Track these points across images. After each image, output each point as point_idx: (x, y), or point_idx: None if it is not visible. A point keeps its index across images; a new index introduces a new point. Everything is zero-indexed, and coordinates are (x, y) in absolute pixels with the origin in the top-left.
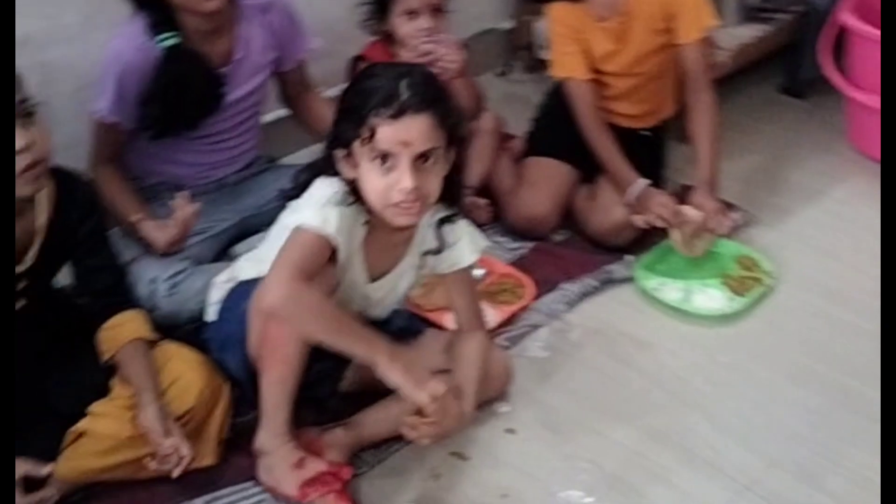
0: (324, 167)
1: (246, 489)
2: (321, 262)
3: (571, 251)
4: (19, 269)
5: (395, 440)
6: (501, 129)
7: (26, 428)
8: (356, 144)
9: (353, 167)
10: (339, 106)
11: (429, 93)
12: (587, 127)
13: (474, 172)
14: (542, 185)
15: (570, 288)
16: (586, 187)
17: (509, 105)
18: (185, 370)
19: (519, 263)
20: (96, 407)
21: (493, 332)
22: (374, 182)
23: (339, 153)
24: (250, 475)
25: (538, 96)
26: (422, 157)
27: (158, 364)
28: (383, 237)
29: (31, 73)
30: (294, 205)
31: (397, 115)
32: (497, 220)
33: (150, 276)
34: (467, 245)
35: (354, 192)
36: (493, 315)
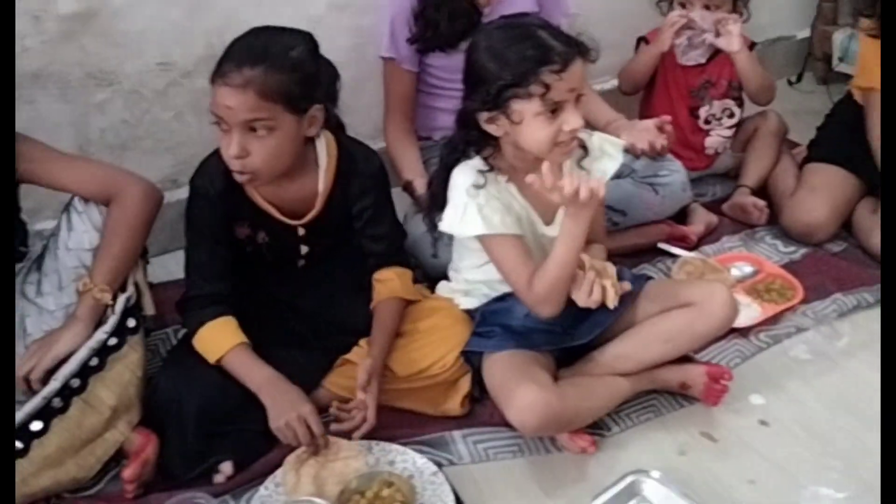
0: (460, 146)
1: (501, 431)
2: (528, 251)
3: (848, 262)
4: (297, 222)
5: (643, 410)
6: (785, 132)
7: (314, 337)
8: (516, 103)
9: (500, 125)
10: (474, 74)
11: (571, 39)
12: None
13: (753, 172)
14: (822, 192)
15: (844, 299)
16: (870, 199)
17: (797, 114)
18: (449, 323)
19: (789, 267)
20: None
21: (755, 329)
22: (542, 130)
23: (484, 116)
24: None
25: (828, 108)
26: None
27: (424, 314)
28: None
29: (346, 37)
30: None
31: (564, 68)
32: (771, 222)
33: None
34: (609, 147)
35: (489, 148)
36: (757, 311)
